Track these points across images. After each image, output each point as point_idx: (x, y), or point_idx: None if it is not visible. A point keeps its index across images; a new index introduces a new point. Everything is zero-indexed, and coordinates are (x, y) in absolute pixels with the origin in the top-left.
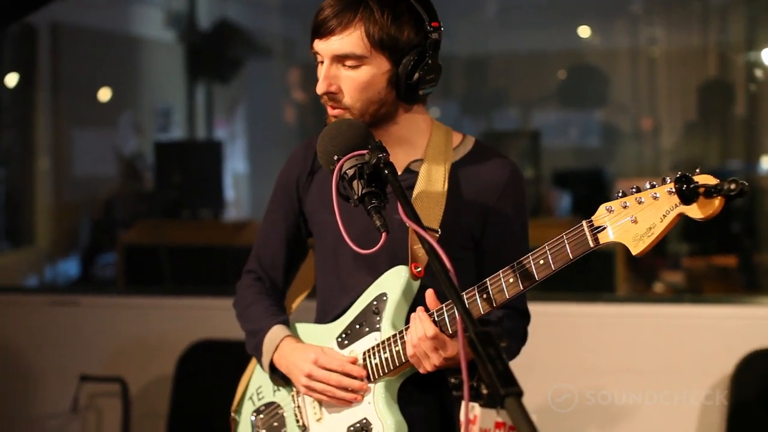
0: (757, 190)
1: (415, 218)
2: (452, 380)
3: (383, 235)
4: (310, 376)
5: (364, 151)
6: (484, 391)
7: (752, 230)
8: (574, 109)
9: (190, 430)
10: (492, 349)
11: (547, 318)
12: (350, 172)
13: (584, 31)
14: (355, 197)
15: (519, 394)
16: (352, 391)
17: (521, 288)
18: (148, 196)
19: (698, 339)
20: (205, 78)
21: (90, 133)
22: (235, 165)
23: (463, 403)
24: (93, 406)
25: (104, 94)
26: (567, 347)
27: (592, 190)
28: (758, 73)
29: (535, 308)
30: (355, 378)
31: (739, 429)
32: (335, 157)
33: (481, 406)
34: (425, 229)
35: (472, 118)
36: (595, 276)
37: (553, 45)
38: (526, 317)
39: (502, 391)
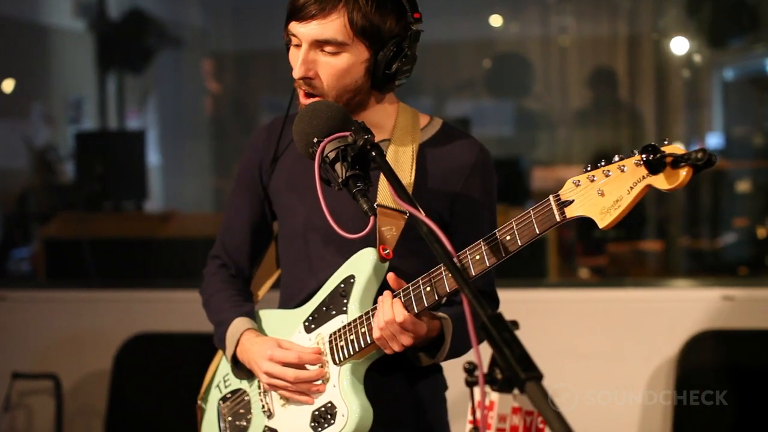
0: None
1: (409, 200)
2: (465, 365)
3: (371, 219)
4: (268, 374)
5: (347, 133)
6: (499, 376)
7: (669, 215)
8: (488, 98)
9: (129, 427)
10: (506, 333)
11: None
12: (332, 155)
13: (496, 20)
14: (339, 180)
15: (539, 377)
16: (310, 381)
17: (487, 264)
18: (67, 188)
19: (642, 322)
20: (116, 68)
21: None
22: (148, 156)
23: (477, 389)
24: (25, 404)
25: (8, 85)
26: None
27: (509, 179)
28: (666, 61)
29: None
30: (313, 366)
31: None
32: (315, 140)
33: (496, 391)
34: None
35: None
36: (527, 262)
37: (465, 34)
38: (494, 300)
39: (522, 375)
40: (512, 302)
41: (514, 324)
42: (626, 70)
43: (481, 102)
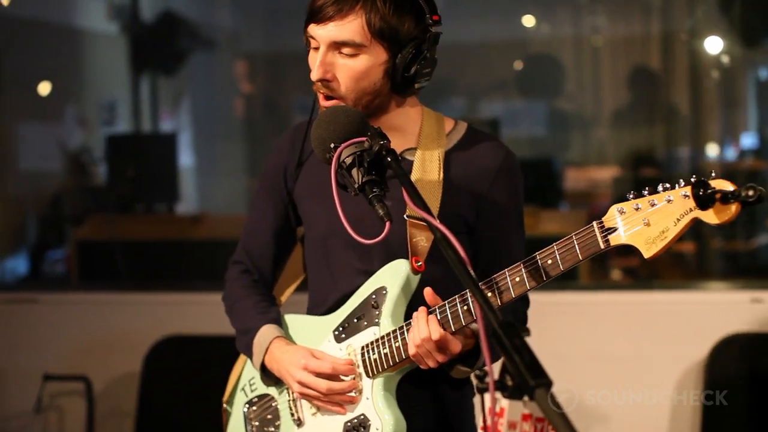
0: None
1: (424, 207)
2: (477, 372)
3: (387, 224)
4: (301, 383)
5: (363, 138)
6: (509, 383)
7: None
8: (521, 99)
9: (159, 427)
10: (517, 340)
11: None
12: (348, 160)
13: (528, 20)
14: (355, 186)
15: (549, 384)
16: (343, 393)
17: (528, 287)
18: (99, 190)
19: (670, 324)
20: (150, 70)
21: (34, 127)
22: (181, 158)
23: (488, 396)
24: (56, 406)
25: (44, 88)
26: (540, 335)
27: (541, 180)
28: (701, 61)
29: None
30: (347, 377)
31: (713, 418)
32: (332, 145)
33: (506, 397)
34: (430, 220)
35: None
36: None
37: (498, 35)
38: (525, 301)
39: (532, 382)
40: (542, 304)
41: (526, 331)
42: (659, 70)
43: (514, 102)
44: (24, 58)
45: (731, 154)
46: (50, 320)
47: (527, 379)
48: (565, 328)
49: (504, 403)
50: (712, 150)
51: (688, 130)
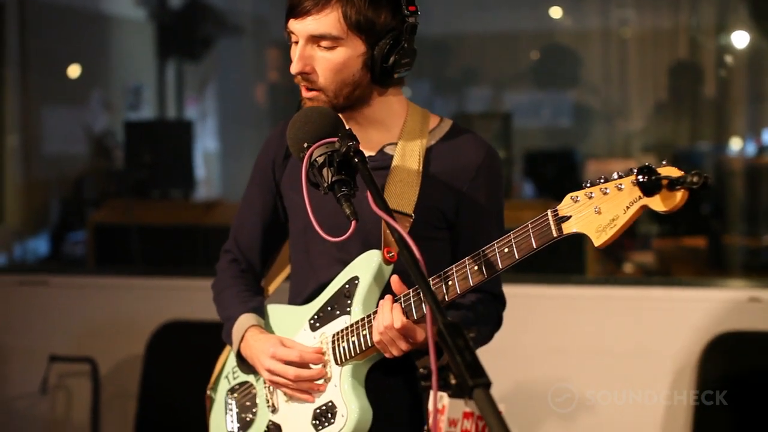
0: (727, 171)
1: (385, 208)
2: (421, 370)
3: (353, 223)
4: (270, 371)
5: (334, 139)
6: (453, 381)
7: (721, 212)
8: (545, 89)
9: (160, 410)
10: (461, 340)
11: (516, 300)
12: (320, 160)
13: (555, 12)
14: (325, 185)
15: (487, 384)
16: (311, 380)
17: (485, 276)
18: (118, 175)
19: (666, 321)
20: (176, 56)
21: (59, 111)
22: (206, 143)
23: (431, 393)
24: (62, 387)
25: (74, 71)
26: (535, 329)
27: (563, 171)
28: (728, 55)
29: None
30: (315, 365)
31: (706, 416)
32: (305, 145)
33: (450, 396)
34: (395, 216)
35: (443, 98)
36: (566, 257)
37: (525, 25)
38: (500, 302)
39: (471, 382)
40: (531, 297)
41: (471, 332)
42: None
43: (538, 93)
44: (51, 43)
45: (753, 149)
46: (59, 303)
47: (467, 378)
48: (558, 323)
49: (446, 401)
50: (736, 145)
51: (712, 125)
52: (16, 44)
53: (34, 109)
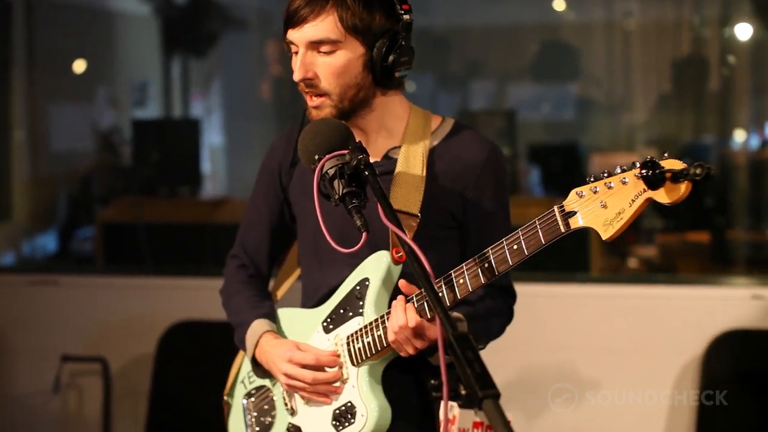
0: (731, 165)
1: (396, 221)
2: (432, 381)
3: (363, 234)
4: (287, 375)
5: (345, 151)
6: (463, 392)
7: (725, 206)
8: (548, 82)
9: (171, 409)
10: (470, 352)
11: (518, 298)
12: (331, 172)
13: (559, 5)
14: (336, 197)
15: (496, 396)
16: (328, 383)
17: (496, 273)
18: (125, 172)
19: (670, 320)
20: (181, 52)
21: (66, 108)
22: (212, 138)
23: (443, 403)
24: (74, 386)
25: (79, 66)
26: (539, 327)
27: (566, 164)
28: (732, 48)
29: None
30: (331, 367)
31: (709, 415)
32: (316, 156)
33: (460, 406)
34: (401, 221)
35: (447, 93)
36: (570, 252)
37: (528, 18)
38: (510, 295)
39: (480, 394)
40: (544, 297)
41: (480, 343)
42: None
43: (542, 86)
44: (57, 40)
45: (756, 142)
46: (70, 302)
47: (476, 390)
48: (560, 321)
49: (456, 410)
50: (739, 138)
51: (716, 117)
52: (23, 41)
53: (40, 106)
